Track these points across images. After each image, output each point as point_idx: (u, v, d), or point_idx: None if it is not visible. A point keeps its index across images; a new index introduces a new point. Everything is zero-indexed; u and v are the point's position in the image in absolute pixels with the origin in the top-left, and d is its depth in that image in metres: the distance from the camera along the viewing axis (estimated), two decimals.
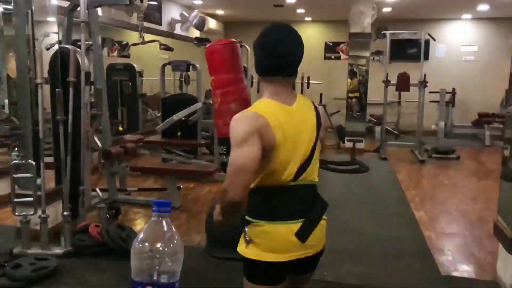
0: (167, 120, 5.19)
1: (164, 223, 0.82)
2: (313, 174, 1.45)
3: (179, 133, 5.67)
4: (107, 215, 3.47)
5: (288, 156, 1.37)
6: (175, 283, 0.81)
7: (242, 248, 1.42)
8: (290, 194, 1.40)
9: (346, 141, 7.17)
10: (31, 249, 2.83)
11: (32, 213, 2.81)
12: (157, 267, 0.79)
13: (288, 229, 1.38)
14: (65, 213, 2.92)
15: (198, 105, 5.31)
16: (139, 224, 3.71)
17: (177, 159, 5.53)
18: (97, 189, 3.50)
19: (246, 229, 1.40)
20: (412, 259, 3.06)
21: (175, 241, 0.82)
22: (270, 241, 1.38)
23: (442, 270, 2.88)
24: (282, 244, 1.38)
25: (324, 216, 1.47)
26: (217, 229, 2.98)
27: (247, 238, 1.39)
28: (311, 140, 1.43)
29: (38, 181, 2.85)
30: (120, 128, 6.50)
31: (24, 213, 2.81)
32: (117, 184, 4.32)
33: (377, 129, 8.42)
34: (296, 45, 1.42)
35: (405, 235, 3.54)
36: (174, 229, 0.83)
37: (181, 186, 4.58)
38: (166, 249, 0.80)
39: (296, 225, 1.39)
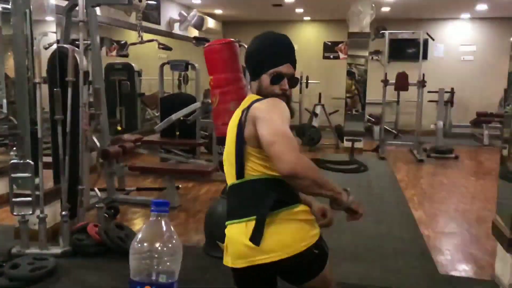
0: (166, 119, 5.19)
1: (163, 222, 0.82)
2: (250, 171, 1.41)
3: (177, 133, 5.67)
4: (106, 214, 3.46)
5: (226, 154, 1.51)
6: (173, 283, 0.81)
7: None
8: (236, 193, 1.46)
9: (344, 141, 7.17)
10: (29, 248, 2.82)
11: (31, 212, 2.80)
12: (155, 267, 0.79)
13: (241, 230, 1.37)
14: (63, 212, 2.91)
15: (197, 104, 5.30)
16: (138, 224, 3.71)
17: (175, 159, 5.53)
18: (96, 189, 3.50)
19: None
20: (410, 259, 3.06)
21: (174, 241, 0.82)
22: (228, 245, 1.43)
23: (441, 270, 2.88)
24: (237, 248, 1.38)
25: (285, 216, 1.38)
26: (216, 229, 2.99)
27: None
28: (232, 138, 1.46)
29: (37, 180, 2.85)
30: (119, 128, 6.50)
31: (22, 213, 2.80)
32: (116, 183, 4.32)
33: (376, 128, 8.42)
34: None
35: (403, 234, 3.54)
36: (172, 228, 0.83)
37: (180, 186, 4.58)
38: (164, 249, 0.80)
39: (249, 225, 1.36)
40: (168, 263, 0.80)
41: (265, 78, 1.46)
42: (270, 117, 1.35)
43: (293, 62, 1.50)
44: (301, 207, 1.43)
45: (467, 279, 2.80)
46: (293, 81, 1.50)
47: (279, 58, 1.47)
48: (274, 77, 1.46)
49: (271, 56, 1.47)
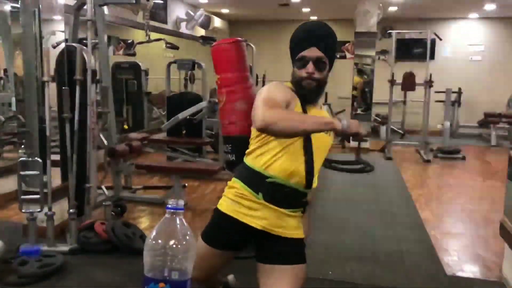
0: (172, 118, 5.20)
1: (178, 220, 0.82)
2: None
3: (184, 132, 5.68)
4: (113, 212, 3.48)
5: None
6: (187, 281, 0.81)
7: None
8: None
9: (351, 140, 7.15)
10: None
11: (39, 210, 2.83)
12: (169, 264, 0.79)
13: None
14: (71, 210, 2.93)
15: (203, 103, 5.31)
16: (144, 222, 3.73)
17: (182, 157, 5.55)
18: (103, 187, 3.52)
19: None
20: (417, 259, 3.05)
21: (188, 238, 0.82)
22: None
23: (448, 270, 2.87)
24: None
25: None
26: None
27: None
28: None
29: (45, 178, 2.87)
30: (126, 126, 6.53)
31: (30, 210, 2.83)
32: (123, 182, 4.35)
33: (383, 128, 8.40)
34: None
35: (410, 234, 3.53)
36: (187, 226, 0.83)
37: (186, 184, 4.59)
38: (179, 246, 0.80)
39: None
40: (181, 261, 0.80)
41: (294, 65, 1.52)
42: (257, 98, 1.44)
43: (319, 45, 1.48)
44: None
45: (474, 280, 2.79)
46: (319, 64, 1.49)
47: (302, 43, 1.49)
48: (296, 61, 1.51)
49: (295, 43, 1.52)
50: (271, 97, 1.40)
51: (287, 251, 1.50)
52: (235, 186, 1.54)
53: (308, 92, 1.52)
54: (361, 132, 1.31)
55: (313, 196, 1.71)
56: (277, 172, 1.47)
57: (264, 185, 1.49)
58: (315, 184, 1.56)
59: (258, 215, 1.49)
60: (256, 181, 1.49)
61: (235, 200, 1.52)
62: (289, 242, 1.51)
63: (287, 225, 1.52)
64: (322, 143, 1.53)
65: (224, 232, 1.56)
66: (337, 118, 1.31)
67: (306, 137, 1.47)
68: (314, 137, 1.49)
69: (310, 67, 1.47)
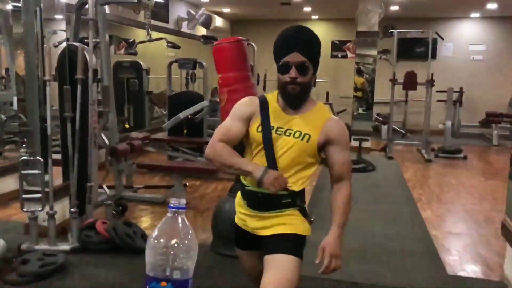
0: (174, 118, 5.21)
1: (180, 219, 0.82)
2: None
3: (185, 131, 5.69)
4: (114, 211, 3.49)
5: None
6: (188, 280, 0.81)
7: (306, 228, 1.62)
8: None
9: (352, 140, 7.15)
10: (39, 245, 2.85)
11: (40, 209, 2.83)
12: (171, 263, 0.79)
13: None
14: (72, 209, 2.94)
15: (205, 103, 5.32)
16: (146, 221, 3.73)
17: (183, 157, 5.55)
18: (104, 186, 3.51)
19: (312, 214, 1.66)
20: (418, 259, 3.05)
21: (189, 237, 0.82)
22: None
23: (449, 270, 2.87)
24: None
25: None
26: (223, 227, 2.99)
27: (312, 219, 1.67)
28: None
29: (46, 177, 2.87)
30: (127, 126, 6.54)
31: (32, 209, 2.83)
32: (124, 181, 4.35)
33: (384, 128, 8.39)
34: None
35: (411, 234, 3.52)
36: (189, 225, 0.83)
37: (187, 184, 4.59)
38: (180, 245, 0.80)
39: None
40: (183, 260, 0.80)
41: (278, 71, 1.54)
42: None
43: (301, 50, 1.50)
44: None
45: (475, 279, 2.79)
46: (302, 69, 1.51)
47: (285, 49, 1.52)
48: (279, 67, 1.53)
49: (278, 49, 1.54)
50: (227, 125, 1.60)
51: (270, 241, 1.58)
52: (238, 195, 1.70)
53: (293, 97, 1.55)
54: (271, 189, 1.46)
55: (345, 209, 1.75)
56: (248, 180, 1.59)
57: (245, 193, 1.63)
58: (296, 186, 1.58)
59: (246, 221, 1.64)
60: (242, 190, 1.65)
61: (237, 209, 1.69)
62: (274, 236, 1.58)
63: (271, 224, 1.59)
64: (291, 147, 1.55)
65: (239, 237, 1.72)
66: (260, 169, 1.47)
67: (267, 144, 1.54)
68: (277, 142, 1.54)
69: (293, 72, 1.50)
